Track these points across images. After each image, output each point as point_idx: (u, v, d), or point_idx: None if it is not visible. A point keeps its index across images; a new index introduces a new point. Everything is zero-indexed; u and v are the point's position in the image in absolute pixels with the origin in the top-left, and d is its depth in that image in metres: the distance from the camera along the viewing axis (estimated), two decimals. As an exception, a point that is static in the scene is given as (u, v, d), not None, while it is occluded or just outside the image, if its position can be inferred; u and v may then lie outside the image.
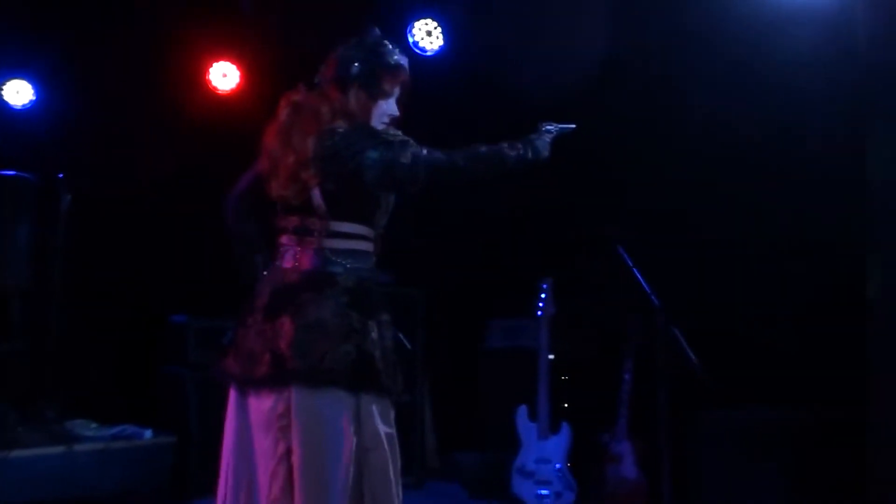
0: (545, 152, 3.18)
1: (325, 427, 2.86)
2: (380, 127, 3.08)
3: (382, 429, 2.94)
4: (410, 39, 5.99)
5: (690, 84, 5.46)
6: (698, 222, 5.46)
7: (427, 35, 6.03)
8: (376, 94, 3.10)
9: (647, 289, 4.56)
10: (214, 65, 6.42)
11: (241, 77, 6.47)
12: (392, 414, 3.00)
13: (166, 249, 6.18)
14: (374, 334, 2.95)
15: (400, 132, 3.05)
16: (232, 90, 6.47)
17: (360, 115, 3.08)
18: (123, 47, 6.09)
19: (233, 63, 6.45)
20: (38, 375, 5.51)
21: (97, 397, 5.74)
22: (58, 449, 4.91)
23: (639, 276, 4.60)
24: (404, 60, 3.16)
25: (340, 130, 3.03)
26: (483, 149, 3.03)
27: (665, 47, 5.56)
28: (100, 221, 5.95)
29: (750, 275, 5.39)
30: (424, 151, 2.96)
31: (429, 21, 6.02)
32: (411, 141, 2.99)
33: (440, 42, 6.04)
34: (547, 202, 5.81)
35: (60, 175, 5.45)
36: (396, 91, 3.14)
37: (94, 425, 5.26)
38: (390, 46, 3.16)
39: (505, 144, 3.08)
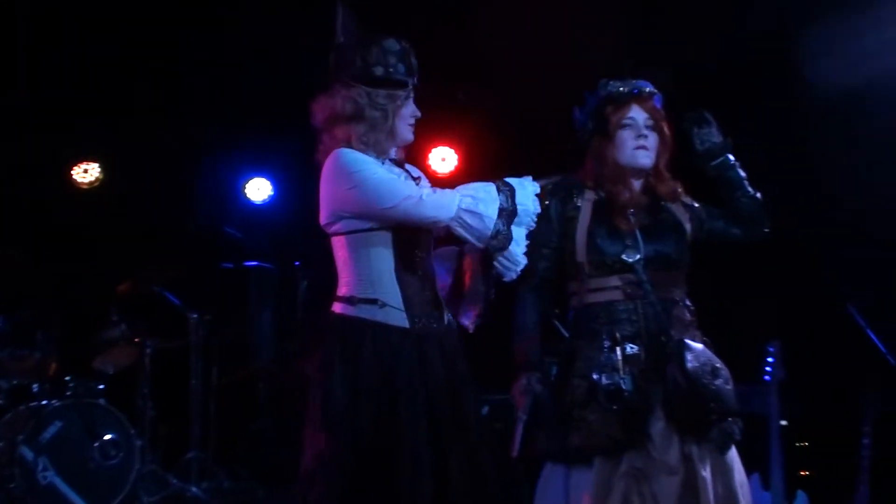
0: None
1: None
2: (635, 154, 3.14)
3: None
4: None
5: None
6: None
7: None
8: (608, 131, 3.15)
9: (882, 348, 4.38)
10: (433, 150, 6.74)
11: (459, 161, 6.75)
12: None
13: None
14: None
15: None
16: (450, 173, 6.76)
17: (605, 166, 3.16)
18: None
19: (451, 147, 6.74)
20: (283, 452, 5.84)
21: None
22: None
23: (872, 336, 4.43)
24: (629, 85, 3.16)
25: None
26: None
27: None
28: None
29: None
30: None
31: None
32: None
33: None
34: (772, 264, 5.69)
35: (297, 263, 5.84)
36: (633, 113, 3.15)
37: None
38: (613, 82, 3.18)
39: None
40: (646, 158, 3.16)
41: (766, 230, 3.26)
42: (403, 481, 2.83)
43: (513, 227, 2.90)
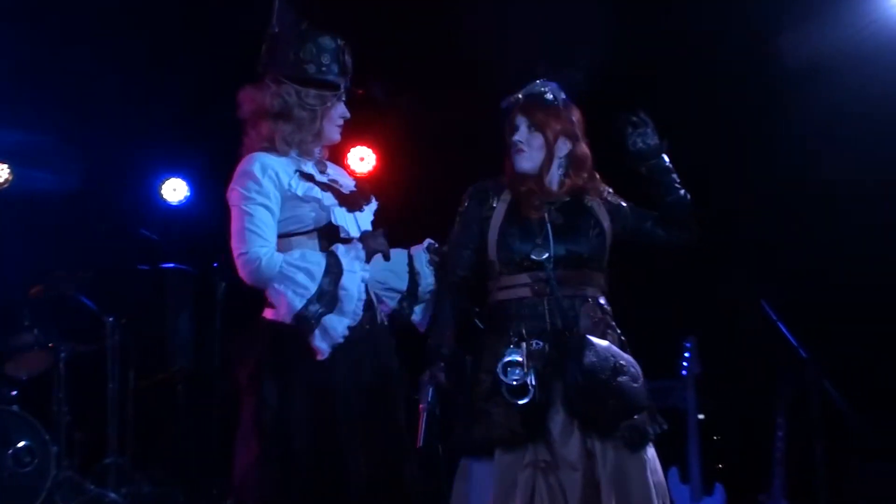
0: None
1: None
2: (516, 159, 3.20)
3: None
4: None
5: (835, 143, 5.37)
6: (842, 274, 5.34)
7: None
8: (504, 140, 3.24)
9: (794, 342, 4.50)
10: (352, 149, 6.72)
11: (378, 160, 6.73)
12: None
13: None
14: None
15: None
16: (369, 172, 6.74)
17: (506, 173, 3.24)
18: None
19: (369, 147, 6.73)
20: (203, 456, 5.77)
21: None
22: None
23: (785, 330, 4.54)
24: (525, 89, 3.21)
25: None
26: None
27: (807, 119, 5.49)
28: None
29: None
30: None
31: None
32: None
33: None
34: (690, 260, 5.80)
35: (215, 265, 5.76)
36: (516, 121, 3.19)
37: None
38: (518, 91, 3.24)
39: None
40: (525, 162, 3.19)
41: (693, 235, 3.28)
42: (352, 486, 2.84)
43: (329, 317, 2.82)
